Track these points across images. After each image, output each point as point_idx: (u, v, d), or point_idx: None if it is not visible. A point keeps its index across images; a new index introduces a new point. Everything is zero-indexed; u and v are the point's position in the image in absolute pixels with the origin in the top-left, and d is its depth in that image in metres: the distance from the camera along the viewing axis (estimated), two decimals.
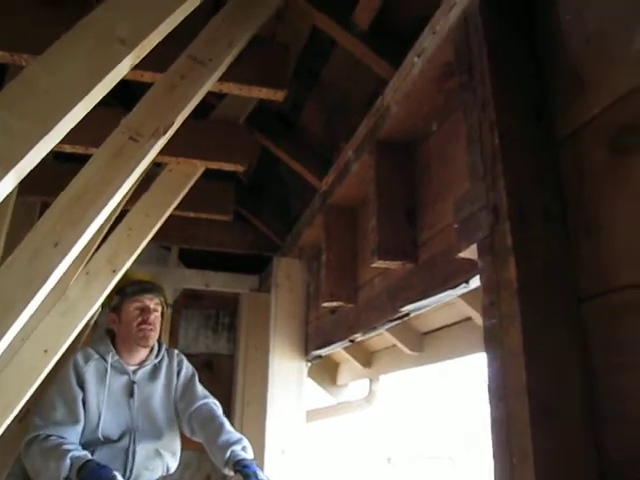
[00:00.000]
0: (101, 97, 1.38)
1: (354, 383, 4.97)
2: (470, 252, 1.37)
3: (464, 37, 1.53)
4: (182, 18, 1.55)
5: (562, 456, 1.08)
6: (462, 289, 1.65)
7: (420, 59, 1.81)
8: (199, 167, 2.77)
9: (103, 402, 2.44)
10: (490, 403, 1.22)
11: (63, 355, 2.38)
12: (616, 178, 1.15)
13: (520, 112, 1.35)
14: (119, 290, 2.60)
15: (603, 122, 1.20)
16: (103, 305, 2.67)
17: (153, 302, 2.60)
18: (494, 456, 1.18)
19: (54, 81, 1.29)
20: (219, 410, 2.61)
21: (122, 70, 1.38)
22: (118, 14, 1.39)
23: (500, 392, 1.17)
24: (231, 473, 2.30)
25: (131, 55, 1.36)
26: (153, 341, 2.60)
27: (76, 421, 2.37)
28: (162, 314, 2.69)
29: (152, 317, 2.57)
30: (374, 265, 2.00)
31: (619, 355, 1.09)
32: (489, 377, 1.22)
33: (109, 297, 2.60)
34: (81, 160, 1.93)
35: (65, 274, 1.78)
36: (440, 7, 1.69)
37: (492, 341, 1.22)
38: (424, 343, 3.68)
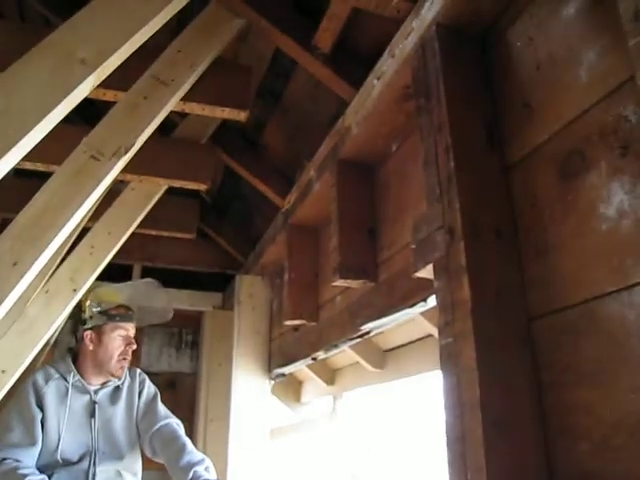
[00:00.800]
0: (62, 117, 1.38)
1: (318, 400, 4.97)
2: (426, 272, 1.40)
3: (422, 62, 1.58)
4: (144, 40, 1.56)
5: (514, 470, 1.11)
6: (420, 307, 1.69)
7: (379, 82, 1.86)
8: (162, 185, 2.77)
9: (63, 423, 2.38)
10: (446, 418, 1.25)
11: (21, 375, 2.34)
12: (565, 202, 1.20)
13: (474, 136, 1.40)
14: (104, 311, 2.54)
15: (551, 148, 1.26)
16: (70, 320, 2.60)
17: (133, 331, 2.55)
18: (450, 471, 1.21)
19: (13, 101, 1.29)
20: (181, 430, 2.57)
21: (83, 90, 1.38)
22: (79, 35, 1.40)
23: (455, 408, 1.21)
24: None
25: (92, 76, 1.37)
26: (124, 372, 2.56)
27: (33, 443, 2.31)
28: None
29: (133, 348, 2.52)
30: (335, 284, 2.03)
31: (565, 372, 1.13)
32: (445, 394, 1.25)
33: (88, 312, 2.51)
34: (43, 176, 1.92)
35: (24, 292, 1.76)
36: (398, 31, 1.74)
37: (447, 359, 1.25)
38: (386, 360, 3.70)
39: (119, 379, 2.52)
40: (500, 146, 1.42)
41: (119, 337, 2.46)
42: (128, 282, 2.70)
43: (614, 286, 1.04)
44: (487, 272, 1.23)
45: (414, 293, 1.69)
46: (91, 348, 2.49)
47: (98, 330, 2.48)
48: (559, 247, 1.19)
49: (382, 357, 3.73)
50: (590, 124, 1.15)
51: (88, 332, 2.49)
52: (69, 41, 1.38)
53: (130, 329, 2.51)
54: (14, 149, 1.26)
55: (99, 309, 2.49)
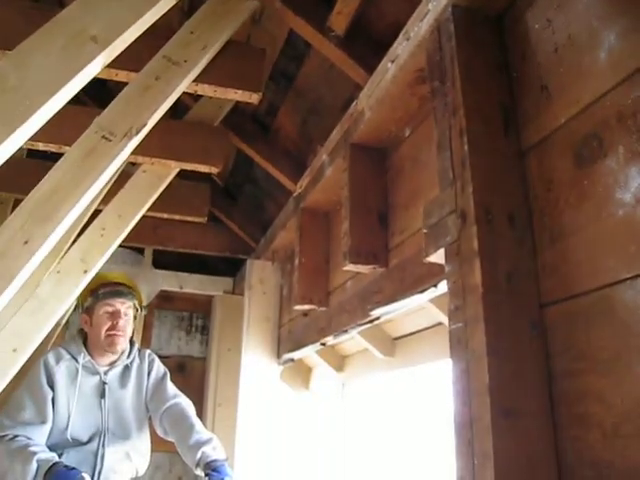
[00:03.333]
0: (72, 95, 1.37)
1: (327, 387, 4.98)
2: (438, 257, 1.39)
3: (437, 45, 1.56)
4: (156, 18, 1.55)
5: (522, 458, 1.10)
6: (431, 293, 1.67)
7: (393, 65, 1.83)
8: (173, 168, 2.76)
9: (73, 403, 2.40)
10: (454, 404, 1.23)
11: (32, 355, 2.35)
12: (581, 186, 1.17)
13: (489, 120, 1.38)
14: (92, 291, 2.57)
15: (568, 132, 1.23)
16: (77, 305, 2.63)
17: (125, 306, 2.55)
18: (457, 456, 1.20)
19: (23, 78, 1.28)
20: (191, 410, 2.58)
21: (94, 69, 1.37)
22: (91, 12, 1.39)
23: (464, 394, 1.19)
24: (202, 474, 2.28)
25: (103, 54, 1.36)
26: (122, 347, 2.54)
27: (44, 421, 2.33)
28: (135, 317, 2.66)
29: (122, 322, 2.52)
30: (345, 269, 2.02)
31: (578, 360, 1.11)
32: (454, 379, 1.24)
33: (82, 297, 2.57)
34: (55, 158, 1.92)
35: (35, 272, 1.76)
36: (413, 14, 1.71)
37: (457, 344, 1.24)
38: (396, 348, 3.70)
39: (114, 354, 2.53)
40: (516, 130, 1.39)
41: (105, 314, 2.50)
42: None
43: (630, 273, 1.02)
44: (499, 257, 1.22)
45: (425, 279, 1.68)
46: (87, 330, 2.55)
47: (90, 312, 2.54)
48: (574, 233, 1.17)
49: (392, 345, 3.72)
50: (608, 108, 1.13)
51: (83, 316, 2.57)
52: (80, 19, 1.37)
53: (117, 304, 2.52)
54: (24, 125, 1.25)
55: (89, 292, 2.55)
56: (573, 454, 1.10)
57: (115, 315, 2.51)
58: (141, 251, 4.22)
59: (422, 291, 1.69)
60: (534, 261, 1.26)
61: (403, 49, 1.76)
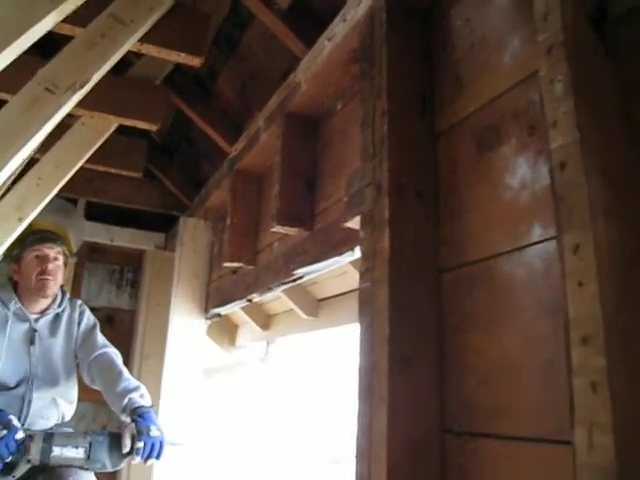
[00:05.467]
0: (23, 50, 1.44)
1: (252, 344, 5.14)
2: (355, 223, 1.55)
3: (369, 30, 1.69)
4: None
5: (411, 400, 1.29)
6: (348, 257, 1.84)
7: (330, 43, 1.96)
8: (113, 122, 2.81)
9: (2, 349, 2.46)
10: (359, 354, 1.41)
11: None
12: (479, 170, 1.35)
13: (409, 104, 1.54)
14: (20, 240, 2.60)
15: (473, 121, 1.41)
16: (4, 256, 2.66)
17: (53, 251, 2.60)
18: (358, 400, 1.38)
19: None
20: (119, 359, 2.67)
21: (46, 25, 1.44)
22: None
23: (367, 344, 1.37)
24: (128, 419, 2.37)
25: (57, 11, 1.43)
26: (52, 291, 2.61)
27: None
28: (65, 264, 2.71)
29: (51, 266, 2.57)
30: (273, 230, 2.16)
31: (463, 319, 1.30)
32: (360, 332, 1.42)
33: (11, 247, 2.59)
34: None
35: None
36: None
37: (365, 301, 1.41)
38: (319, 309, 3.88)
39: (44, 298, 2.59)
40: (432, 115, 1.55)
41: (35, 259, 2.55)
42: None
43: (509, 247, 1.21)
44: (406, 227, 1.39)
45: (344, 242, 1.84)
46: (17, 279, 2.59)
47: (18, 260, 2.60)
48: (470, 210, 1.35)
49: (316, 306, 3.91)
50: (507, 104, 1.30)
51: (13, 265, 2.62)
52: None
53: (45, 249, 2.57)
54: None
55: (17, 242, 2.59)
56: (454, 397, 1.29)
57: (44, 260, 2.56)
58: (74, 202, 4.22)
59: (341, 254, 1.85)
60: (437, 233, 1.43)
61: (340, 29, 1.89)
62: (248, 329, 4.90)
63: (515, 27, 1.33)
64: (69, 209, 4.15)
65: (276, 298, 3.99)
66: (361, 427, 1.33)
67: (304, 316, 3.86)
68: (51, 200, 2.71)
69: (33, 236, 2.59)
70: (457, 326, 1.33)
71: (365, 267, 1.43)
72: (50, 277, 2.56)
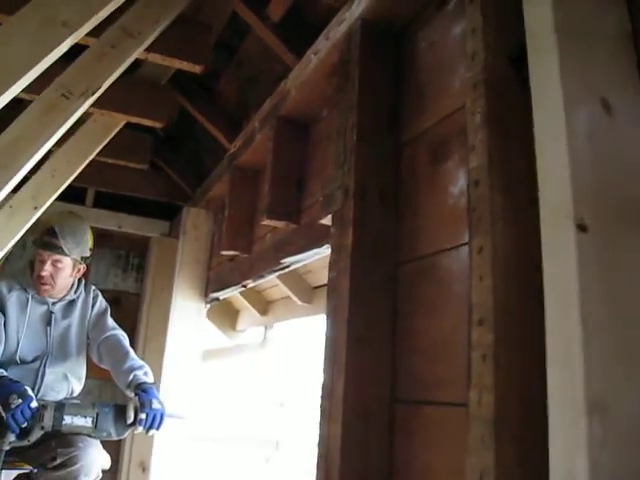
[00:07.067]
0: (41, 71, 1.66)
1: (251, 329, 5.40)
2: (327, 220, 1.78)
3: (347, 49, 1.91)
4: (120, 3, 1.84)
5: (366, 372, 1.53)
6: (326, 249, 2.07)
7: (315, 57, 2.19)
8: (121, 120, 3.05)
9: (23, 329, 2.69)
10: (326, 332, 1.65)
11: None
12: (432, 179, 1.58)
13: (376, 118, 1.76)
14: (39, 234, 2.72)
15: (430, 136, 1.63)
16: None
17: (51, 258, 2.66)
18: (324, 369, 1.62)
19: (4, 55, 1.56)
20: (126, 341, 2.91)
21: (62, 49, 1.67)
22: None
23: (332, 324, 1.61)
24: (132, 394, 2.62)
25: (72, 37, 1.66)
26: (48, 294, 2.76)
27: None
28: (74, 265, 2.76)
29: (45, 273, 2.66)
30: (263, 223, 2.40)
31: (413, 305, 1.54)
32: (327, 314, 1.65)
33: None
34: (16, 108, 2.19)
35: None
36: (334, 19, 2.06)
37: (332, 289, 1.65)
38: (314, 296, 4.12)
39: (38, 294, 2.76)
40: (398, 128, 1.78)
41: (38, 262, 2.70)
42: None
43: (449, 245, 1.44)
44: (368, 225, 1.62)
45: (324, 236, 2.07)
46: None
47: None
48: (424, 213, 1.58)
49: (311, 293, 4.14)
50: (454, 123, 1.52)
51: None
52: (53, 4, 1.66)
53: (44, 255, 2.66)
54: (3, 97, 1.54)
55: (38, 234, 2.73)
56: (403, 371, 1.53)
57: (42, 264, 2.68)
58: (84, 190, 4.47)
59: (320, 246, 2.09)
60: (397, 230, 1.66)
61: (323, 46, 2.12)
62: (248, 314, 5.14)
63: (464, 56, 1.55)
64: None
65: (274, 285, 4.23)
66: (324, 392, 1.58)
67: (299, 302, 4.10)
68: (71, 220, 2.81)
69: (42, 236, 2.68)
70: (409, 310, 1.56)
71: (333, 259, 1.66)
72: (44, 282, 2.70)
